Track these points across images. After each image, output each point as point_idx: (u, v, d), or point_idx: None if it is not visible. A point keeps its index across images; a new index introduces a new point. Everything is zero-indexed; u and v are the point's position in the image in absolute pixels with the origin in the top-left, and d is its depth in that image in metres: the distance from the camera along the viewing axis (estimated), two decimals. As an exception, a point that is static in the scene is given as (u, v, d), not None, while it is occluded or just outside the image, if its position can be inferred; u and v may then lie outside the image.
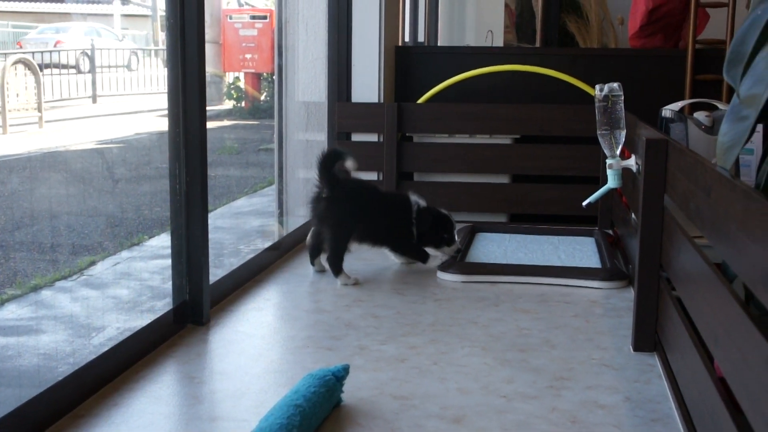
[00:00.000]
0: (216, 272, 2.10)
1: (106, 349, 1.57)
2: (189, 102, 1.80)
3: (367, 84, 3.12)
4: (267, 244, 2.55)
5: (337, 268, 2.26)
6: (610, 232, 2.85)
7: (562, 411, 1.45)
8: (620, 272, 2.30)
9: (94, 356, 1.53)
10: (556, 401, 1.49)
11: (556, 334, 1.87)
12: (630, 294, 2.15)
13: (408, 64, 3.29)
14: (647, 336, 1.76)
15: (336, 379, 1.43)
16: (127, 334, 1.66)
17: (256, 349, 1.76)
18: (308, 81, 3.12)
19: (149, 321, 1.73)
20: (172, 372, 1.62)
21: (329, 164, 2.27)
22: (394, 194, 2.51)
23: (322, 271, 2.36)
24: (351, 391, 1.51)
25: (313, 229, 2.36)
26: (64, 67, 6.35)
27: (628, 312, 2.02)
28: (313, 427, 1.33)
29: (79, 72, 6.83)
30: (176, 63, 1.79)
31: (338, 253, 2.27)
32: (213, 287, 2.01)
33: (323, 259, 2.34)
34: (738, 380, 1.02)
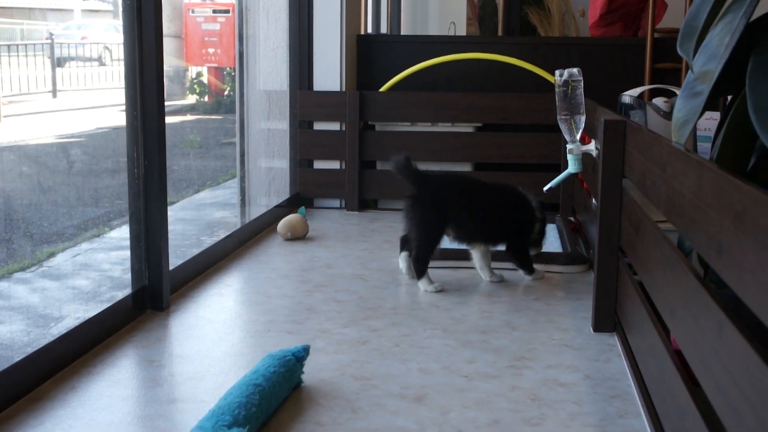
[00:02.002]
0: (177, 262, 2.08)
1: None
2: (146, 84, 1.78)
3: (329, 73, 3.11)
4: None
5: (420, 271, 2.07)
6: (572, 218, 2.87)
7: (522, 389, 1.46)
8: (581, 257, 2.32)
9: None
10: (516, 380, 1.50)
11: (518, 316, 1.88)
12: (591, 278, 2.17)
13: (370, 53, 3.29)
14: (607, 316, 1.77)
15: (296, 359, 1.43)
16: (86, 320, 1.64)
17: (217, 333, 1.75)
18: (270, 70, 3.10)
19: (107, 306, 1.71)
20: (131, 356, 1.60)
21: (408, 162, 2.09)
22: (502, 186, 2.20)
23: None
24: (312, 373, 1.51)
25: (404, 229, 2.16)
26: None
27: (588, 295, 2.03)
28: (272, 406, 1.32)
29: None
30: (133, 45, 1.77)
31: (425, 255, 2.08)
32: (173, 273, 1.99)
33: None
34: (692, 349, 1.03)
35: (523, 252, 2.18)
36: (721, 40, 1.19)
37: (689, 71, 1.23)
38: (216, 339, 1.71)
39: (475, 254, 2.18)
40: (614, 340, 1.72)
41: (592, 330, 1.78)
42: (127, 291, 1.83)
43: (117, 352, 1.61)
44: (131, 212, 1.82)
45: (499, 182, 2.21)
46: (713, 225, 0.94)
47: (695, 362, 1.02)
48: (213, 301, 1.97)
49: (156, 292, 1.86)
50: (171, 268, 2.00)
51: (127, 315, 1.78)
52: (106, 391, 1.43)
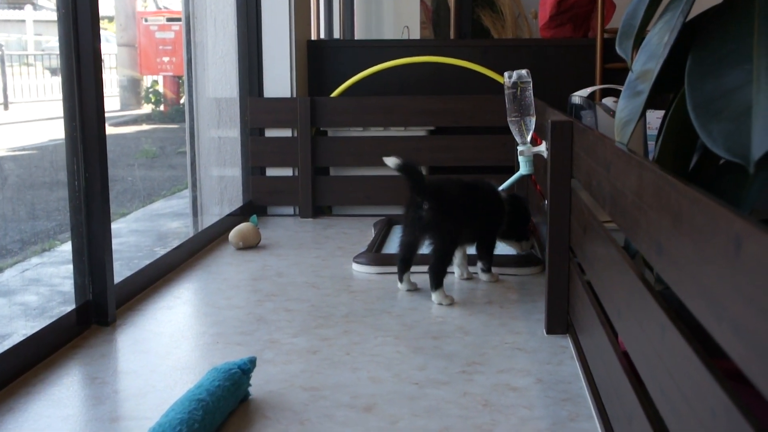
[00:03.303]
0: (129, 275, 2.04)
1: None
2: (85, 93, 1.74)
3: (279, 79, 3.08)
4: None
5: (439, 281, 1.99)
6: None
7: (473, 395, 1.44)
8: (535, 258, 2.31)
9: (-13, 360, 1.46)
10: (467, 386, 1.48)
11: (470, 320, 1.86)
12: (544, 280, 2.16)
13: (321, 59, 3.26)
14: (559, 318, 1.76)
15: (242, 372, 1.40)
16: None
17: (164, 347, 1.71)
18: (219, 77, 3.06)
19: (48, 323, 1.67)
20: (74, 374, 1.56)
21: (414, 173, 2.03)
22: (478, 182, 2.17)
23: (414, 289, 2.10)
24: (260, 385, 1.48)
25: (403, 241, 2.09)
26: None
27: (542, 297, 2.02)
28: (217, 421, 1.28)
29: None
30: (70, 52, 1.72)
31: (445, 265, 2.03)
32: (119, 286, 1.95)
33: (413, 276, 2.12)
34: (637, 351, 1.02)
35: (492, 247, 2.20)
36: (661, 39, 1.18)
37: (630, 72, 1.23)
38: (162, 353, 1.67)
39: (458, 253, 2.18)
40: (567, 342, 1.71)
41: (545, 332, 1.77)
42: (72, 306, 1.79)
43: (59, 371, 1.57)
44: (72, 226, 1.78)
45: (474, 178, 2.20)
46: (653, 225, 0.93)
47: (640, 364, 1.01)
48: (161, 314, 1.92)
49: (100, 306, 1.81)
50: (119, 280, 1.96)
51: (71, 331, 1.73)
52: (46, 411, 1.38)
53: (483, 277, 2.18)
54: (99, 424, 1.33)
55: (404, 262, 2.09)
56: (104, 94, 1.77)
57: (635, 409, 1.04)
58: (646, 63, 1.19)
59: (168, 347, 1.71)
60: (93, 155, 1.76)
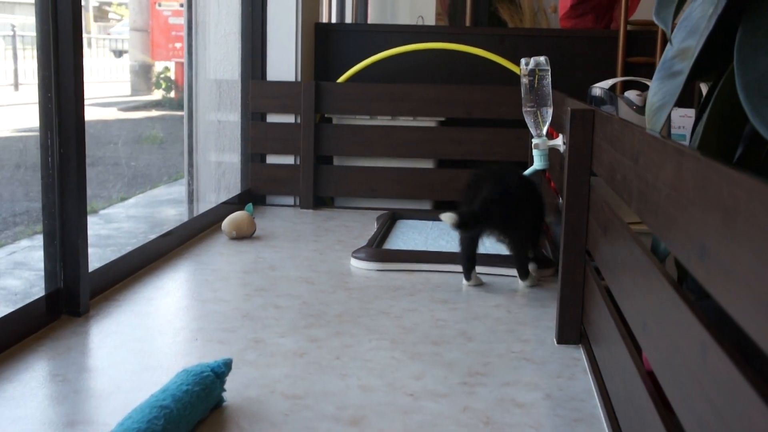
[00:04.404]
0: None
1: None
2: (62, 61, 1.59)
3: (284, 62, 2.93)
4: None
5: (525, 270, 2.00)
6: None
7: (474, 410, 1.29)
8: (546, 259, 2.15)
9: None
10: (468, 399, 1.33)
11: (474, 325, 1.71)
12: (556, 283, 2.00)
13: (329, 42, 3.11)
14: (572, 327, 1.60)
15: (215, 375, 1.24)
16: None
17: (137, 342, 1.56)
18: (220, 57, 2.91)
19: (12, 310, 1.52)
20: (35, 369, 1.41)
21: (476, 223, 1.91)
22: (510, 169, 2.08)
23: (479, 284, 2.01)
24: (237, 390, 1.33)
25: (464, 238, 1.97)
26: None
27: (553, 302, 1.87)
28: (182, 430, 1.13)
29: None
30: (47, 16, 1.57)
31: (525, 252, 2.02)
32: (97, 274, 1.80)
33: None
34: (668, 373, 0.86)
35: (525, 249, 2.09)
36: (704, 11, 1.03)
37: (667, 47, 1.06)
38: (135, 349, 1.52)
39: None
40: (580, 354, 1.56)
41: (555, 341, 1.62)
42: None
43: (18, 364, 1.42)
44: (44, 206, 1.63)
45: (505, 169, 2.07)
46: (695, 224, 0.77)
47: (671, 388, 0.86)
48: (139, 306, 1.78)
49: (72, 295, 1.66)
50: (95, 266, 1.82)
51: (38, 321, 1.59)
52: (-6, 410, 1.24)
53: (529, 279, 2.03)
54: (52, 428, 1.18)
55: (470, 260, 1.99)
56: (83, 61, 1.62)
57: (662, 441, 0.88)
58: (685, 39, 1.04)
59: (141, 343, 1.56)
60: (69, 129, 1.61)
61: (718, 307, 0.70)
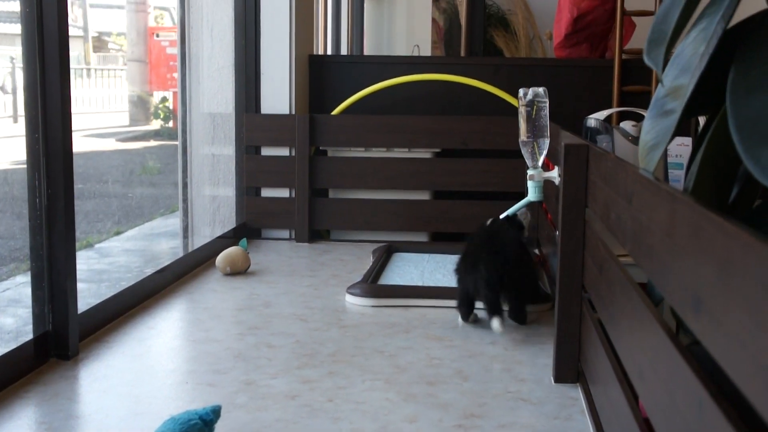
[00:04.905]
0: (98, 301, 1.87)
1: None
2: (49, 100, 1.57)
3: (278, 94, 2.92)
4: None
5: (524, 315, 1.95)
6: (536, 251, 2.68)
7: (469, 455, 1.26)
8: (544, 294, 2.13)
9: None
10: (463, 443, 1.30)
11: (470, 363, 1.68)
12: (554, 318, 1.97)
13: (323, 74, 3.10)
14: (569, 365, 1.57)
15: (203, 423, 1.21)
16: None
17: (126, 386, 1.53)
18: (214, 91, 2.90)
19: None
20: (21, 417, 1.38)
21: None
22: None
23: (476, 321, 1.95)
24: (227, 436, 1.30)
25: (463, 284, 1.92)
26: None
27: (550, 338, 1.84)
28: (168, 484, 1.10)
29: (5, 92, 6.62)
30: (33, 54, 1.56)
31: (526, 302, 1.98)
32: (86, 316, 1.77)
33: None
34: (664, 425, 0.84)
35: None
36: (696, 49, 1.01)
37: (659, 86, 1.04)
38: (124, 394, 1.49)
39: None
40: (577, 393, 1.52)
41: (552, 380, 1.58)
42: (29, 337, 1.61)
43: (2, 412, 1.39)
44: (32, 248, 1.61)
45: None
46: (690, 273, 0.75)
47: (668, 440, 0.83)
48: (130, 348, 1.75)
49: (61, 338, 1.64)
50: (93, 305, 1.79)
51: (25, 365, 1.56)
52: (-24, 463, 1.21)
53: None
54: (34, 482, 1.15)
55: (470, 306, 1.94)
56: (71, 100, 1.60)
57: (660, 495, 0.85)
58: (678, 77, 1.02)
59: (130, 386, 1.52)
60: (57, 170, 1.59)
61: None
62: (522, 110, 2.10)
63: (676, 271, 0.80)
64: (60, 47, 1.56)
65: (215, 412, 1.25)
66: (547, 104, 2.08)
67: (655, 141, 1.04)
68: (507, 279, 1.86)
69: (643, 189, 0.97)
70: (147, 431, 1.30)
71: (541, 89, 2.09)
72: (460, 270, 1.92)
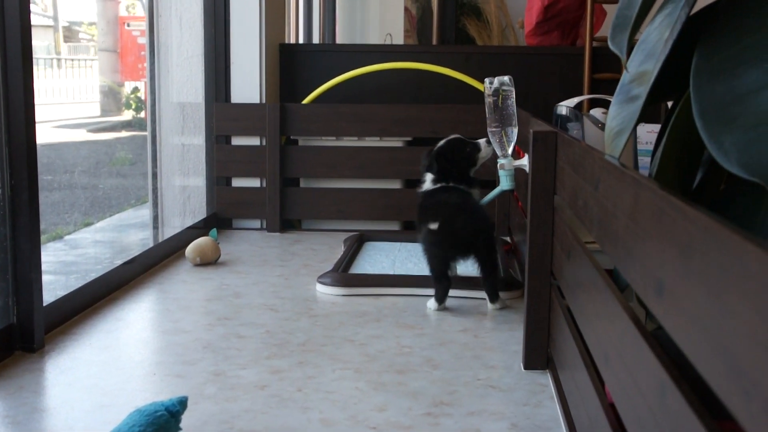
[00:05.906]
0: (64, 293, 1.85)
1: None
2: (12, 91, 1.55)
3: (248, 84, 2.89)
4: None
5: (497, 291, 1.99)
6: (507, 239, 2.69)
7: (438, 443, 1.25)
8: (514, 281, 2.13)
9: None
10: (432, 431, 1.29)
11: (440, 351, 1.67)
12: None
13: (294, 63, 3.08)
14: (538, 352, 1.58)
15: (170, 414, 1.20)
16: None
17: (93, 378, 1.51)
18: (184, 80, 2.88)
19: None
20: (-16, 410, 1.36)
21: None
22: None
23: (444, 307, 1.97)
24: (195, 427, 1.29)
25: (436, 263, 1.95)
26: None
27: (521, 325, 1.83)
28: (133, 476, 1.09)
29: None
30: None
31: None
32: (52, 308, 1.75)
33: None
34: (628, 408, 0.84)
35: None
36: (660, 35, 1.01)
37: (624, 72, 1.04)
38: (89, 386, 1.47)
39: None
40: (547, 380, 1.53)
41: (522, 367, 1.59)
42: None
43: (-34, 406, 1.37)
44: (-5, 239, 1.58)
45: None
46: (652, 258, 0.74)
47: (631, 424, 0.83)
48: (97, 340, 1.73)
49: (26, 330, 1.61)
50: (55, 299, 1.77)
51: (-10, 358, 1.54)
52: (-62, 457, 1.19)
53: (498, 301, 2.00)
54: (-3, 476, 1.14)
55: (447, 284, 1.97)
56: (34, 91, 1.58)
57: (625, 480, 0.86)
58: (642, 63, 1.01)
59: (97, 379, 1.51)
60: (20, 161, 1.57)
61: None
62: (488, 99, 2.09)
63: (639, 256, 0.80)
64: (23, 37, 1.54)
65: (182, 403, 1.24)
66: (514, 92, 2.08)
67: (621, 127, 1.04)
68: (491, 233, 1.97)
69: (608, 175, 0.97)
70: (112, 424, 1.28)
71: (506, 78, 2.08)
72: (433, 238, 1.93)
